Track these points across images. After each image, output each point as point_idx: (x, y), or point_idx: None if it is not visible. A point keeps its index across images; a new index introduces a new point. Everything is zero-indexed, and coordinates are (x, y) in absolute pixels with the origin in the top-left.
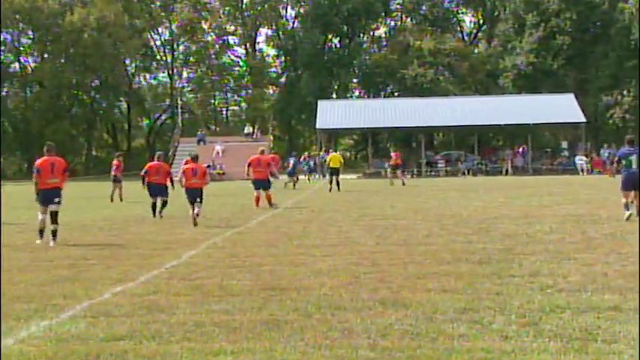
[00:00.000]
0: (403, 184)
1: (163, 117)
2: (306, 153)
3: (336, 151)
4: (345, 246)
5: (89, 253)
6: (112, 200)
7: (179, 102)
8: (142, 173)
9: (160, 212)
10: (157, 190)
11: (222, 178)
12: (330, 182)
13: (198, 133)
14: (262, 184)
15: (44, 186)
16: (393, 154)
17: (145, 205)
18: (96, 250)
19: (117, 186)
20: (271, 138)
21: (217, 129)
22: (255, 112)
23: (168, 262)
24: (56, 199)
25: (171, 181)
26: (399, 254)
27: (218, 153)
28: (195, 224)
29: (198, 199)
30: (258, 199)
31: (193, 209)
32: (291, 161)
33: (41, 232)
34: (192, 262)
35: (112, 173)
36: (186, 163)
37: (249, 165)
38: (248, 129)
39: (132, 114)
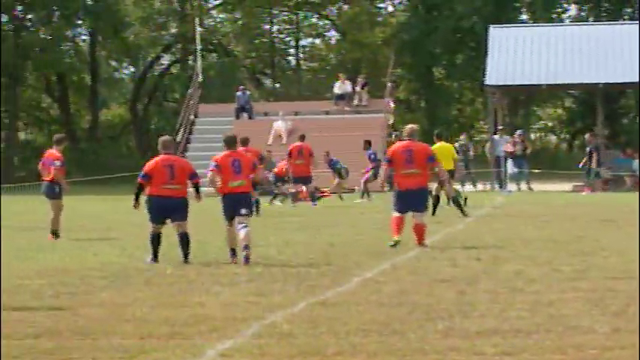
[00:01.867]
0: None
1: (165, 61)
2: (462, 136)
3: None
4: (548, 335)
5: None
6: (54, 235)
7: (198, 28)
8: (140, 178)
9: (186, 257)
10: (169, 209)
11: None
12: (435, 203)
13: (238, 93)
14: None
15: None
16: None
17: (117, 242)
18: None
19: (57, 205)
20: (391, 104)
21: (277, 86)
22: (357, 50)
23: None
24: None
25: (197, 188)
26: None
27: (280, 135)
28: (247, 259)
29: (243, 211)
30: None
31: (239, 233)
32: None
33: None
34: None
35: (47, 178)
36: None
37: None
38: (342, 85)
39: (99, 52)
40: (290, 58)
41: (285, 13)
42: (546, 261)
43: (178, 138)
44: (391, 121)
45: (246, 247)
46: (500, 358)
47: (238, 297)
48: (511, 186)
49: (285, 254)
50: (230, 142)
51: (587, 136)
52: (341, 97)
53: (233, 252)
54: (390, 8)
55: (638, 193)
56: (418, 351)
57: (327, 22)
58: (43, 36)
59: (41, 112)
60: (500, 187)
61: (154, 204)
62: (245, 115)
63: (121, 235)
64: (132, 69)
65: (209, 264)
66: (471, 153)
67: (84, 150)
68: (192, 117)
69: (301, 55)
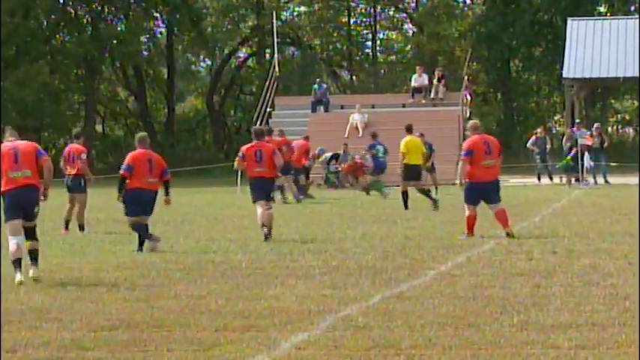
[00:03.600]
0: None
1: (242, 53)
2: (538, 130)
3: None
4: (624, 329)
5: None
6: (81, 228)
7: (275, 20)
8: (124, 171)
9: (141, 246)
10: (146, 201)
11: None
12: (405, 197)
13: (314, 86)
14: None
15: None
16: None
17: (192, 235)
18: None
19: (83, 199)
20: (468, 98)
21: (354, 79)
22: (434, 43)
23: None
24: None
25: (167, 186)
26: None
27: (357, 128)
28: (266, 229)
29: (265, 195)
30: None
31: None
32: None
33: None
34: None
35: (73, 172)
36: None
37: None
38: (419, 78)
39: (176, 44)
40: (367, 50)
41: (363, 5)
42: (622, 254)
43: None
44: (468, 114)
45: (264, 225)
46: (576, 351)
47: (313, 290)
48: (588, 179)
49: (360, 247)
50: (258, 134)
51: None
52: (418, 90)
53: (263, 227)
54: (468, 1)
55: None
56: (493, 344)
57: (404, 14)
58: (120, 28)
59: (118, 105)
60: (578, 180)
61: (133, 197)
62: (321, 108)
63: (195, 227)
64: (208, 62)
65: (284, 257)
66: (548, 146)
67: (160, 143)
68: (268, 110)
69: (378, 48)
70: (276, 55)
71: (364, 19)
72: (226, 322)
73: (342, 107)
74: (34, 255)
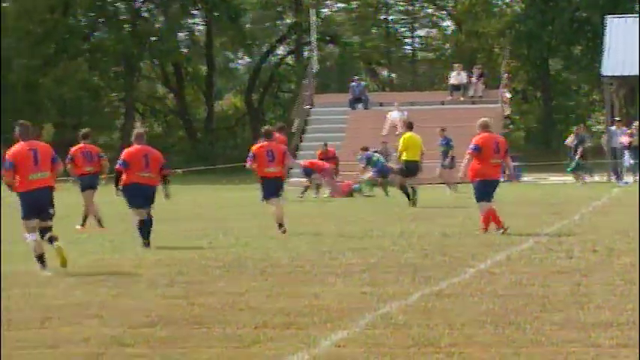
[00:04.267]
0: None
1: (280, 51)
2: (576, 128)
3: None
4: None
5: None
6: (100, 225)
7: (313, 18)
8: (119, 166)
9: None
10: (144, 195)
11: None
12: (407, 193)
13: (353, 84)
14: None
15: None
16: None
17: (231, 232)
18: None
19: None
20: (507, 95)
21: (393, 77)
22: (473, 41)
23: None
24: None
25: (165, 180)
26: None
27: (395, 126)
28: (282, 227)
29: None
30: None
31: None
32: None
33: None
34: None
35: (94, 170)
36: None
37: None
38: (458, 76)
39: (215, 41)
40: (406, 48)
41: (401, 3)
42: None
43: (293, 129)
44: (507, 112)
45: (280, 225)
46: (617, 350)
47: (353, 288)
48: (628, 177)
49: (399, 245)
50: (267, 134)
51: None
52: (456, 87)
53: (280, 225)
54: None
55: None
56: (534, 342)
57: (443, 12)
58: (159, 25)
59: (157, 102)
60: (617, 178)
61: (131, 191)
62: (360, 105)
63: (235, 224)
64: (247, 59)
65: (324, 254)
66: (588, 144)
67: (200, 140)
68: (307, 107)
69: (417, 46)
70: (314, 53)
71: (403, 17)
72: (266, 320)
73: (380, 105)
74: (53, 237)
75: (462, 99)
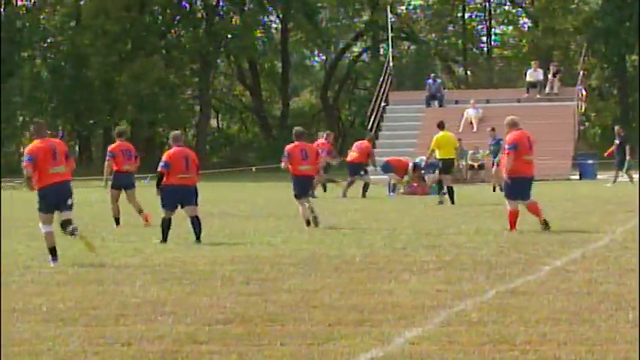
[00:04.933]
0: None
1: (356, 48)
2: (618, 127)
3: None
4: None
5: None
6: (117, 222)
7: (389, 15)
8: (162, 168)
9: (198, 237)
10: (183, 196)
11: (477, 176)
12: (441, 190)
13: (428, 81)
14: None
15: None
16: None
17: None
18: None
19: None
20: (583, 92)
21: (469, 74)
22: (549, 38)
23: None
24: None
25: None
26: None
27: (471, 123)
28: (316, 223)
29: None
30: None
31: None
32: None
33: None
34: None
35: (132, 169)
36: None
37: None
38: (535, 73)
39: (291, 38)
40: (482, 45)
41: (478, 0)
42: None
43: (369, 126)
44: (583, 110)
45: (308, 222)
46: None
47: (427, 285)
48: None
49: (475, 242)
50: (299, 135)
51: None
52: (533, 84)
53: (308, 222)
54: None
55: None
56: (608, 340)
57: (519, 9)
58: (235, 23)
59: (233, 100)
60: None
61: (170, 192)
62: (436, 103)
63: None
64: (323, 56)
65: (398, 251)
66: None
67: (275, 137)
68: (383, 105)
69: (493, 43)
70: (390, 50)
71: (479, 14)
72: (340, 317)
73: (456, 102)
74: (75, 229)
75: (538, 96)
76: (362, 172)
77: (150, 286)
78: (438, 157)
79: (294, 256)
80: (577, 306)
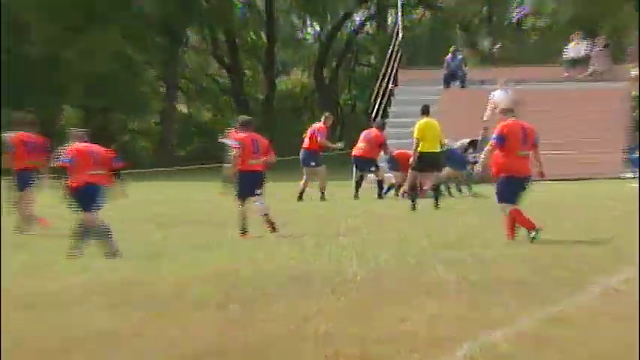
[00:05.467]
0: None
1: (358, 16)
2: None
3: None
4: None
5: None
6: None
7: None
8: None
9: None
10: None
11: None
12: (436, 190)
13: (448, 57)
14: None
15: None
16: None
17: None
18: None
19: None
20: (636, 72)
21: (496, 49)
22: (594, 5)
23: None
24: None
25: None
26: None
27: (496, 108)
28: (273, 228)
29: (259, 191)
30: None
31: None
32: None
33: None
34: None
35: None
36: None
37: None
38: (576, 48)
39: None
40: (512, 14)
41: None
42: None
43: (373, 112)
44: (634, 92)
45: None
46: None
47: (447, 310)
48: None
49: (505, 256)
50: (245, 124)
51: None
52: (574, 62)
53: (245, 232)
54: None
55: None
56: None
57: None
58: None
59: (206, 80)
60: None
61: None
62: (457, 83)
63: (298, 229)
64: (317, 27)
65: (411, 268)
66: None
67: (258, 126)
68: (390, 86)
69: (526, 10)
70: (400, 18)
71: None
72: (338, 350)
73: (481, 83)
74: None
75: (580, 76)
76: (372, 169)
77: (100, 312)
78: (419, 150)
79: (280, 274)
80: (633, 335)
